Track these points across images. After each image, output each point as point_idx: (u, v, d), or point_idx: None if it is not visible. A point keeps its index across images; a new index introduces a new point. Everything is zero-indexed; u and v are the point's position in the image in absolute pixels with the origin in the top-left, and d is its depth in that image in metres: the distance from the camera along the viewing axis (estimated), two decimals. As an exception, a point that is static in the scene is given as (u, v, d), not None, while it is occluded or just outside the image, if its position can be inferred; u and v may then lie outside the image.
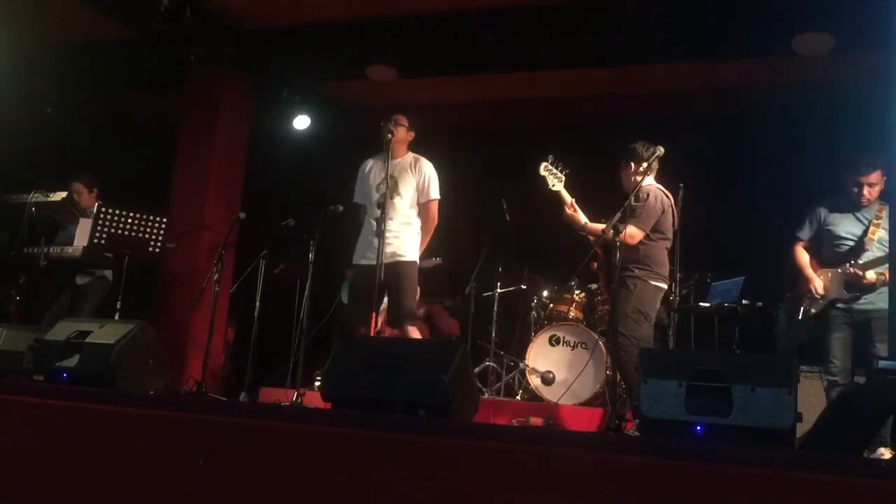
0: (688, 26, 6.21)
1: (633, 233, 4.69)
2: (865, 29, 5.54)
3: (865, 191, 4.90)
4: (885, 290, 4.72)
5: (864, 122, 5.38)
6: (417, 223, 5.11)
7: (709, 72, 7.09)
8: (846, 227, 4.98)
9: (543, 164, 4.83)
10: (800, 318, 5.03)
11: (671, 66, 7.01)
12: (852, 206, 4.98)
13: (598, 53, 6.71)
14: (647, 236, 4.76)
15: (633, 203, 4.74)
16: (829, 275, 4.95)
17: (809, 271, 5.04)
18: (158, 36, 6.55)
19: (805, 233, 5.16)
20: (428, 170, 5.12)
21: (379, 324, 6.21)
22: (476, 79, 7.63)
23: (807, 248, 5.17)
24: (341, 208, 5.86)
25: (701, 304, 6.36)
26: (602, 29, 6.43)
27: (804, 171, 6.81)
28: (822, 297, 4.93)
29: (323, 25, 7.00)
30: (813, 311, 4.97)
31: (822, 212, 5.10)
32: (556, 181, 4.83)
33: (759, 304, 6.13)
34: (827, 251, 5.05)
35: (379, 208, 4.87)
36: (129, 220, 5.81)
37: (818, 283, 4.97)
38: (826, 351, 4.88)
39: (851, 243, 4.93)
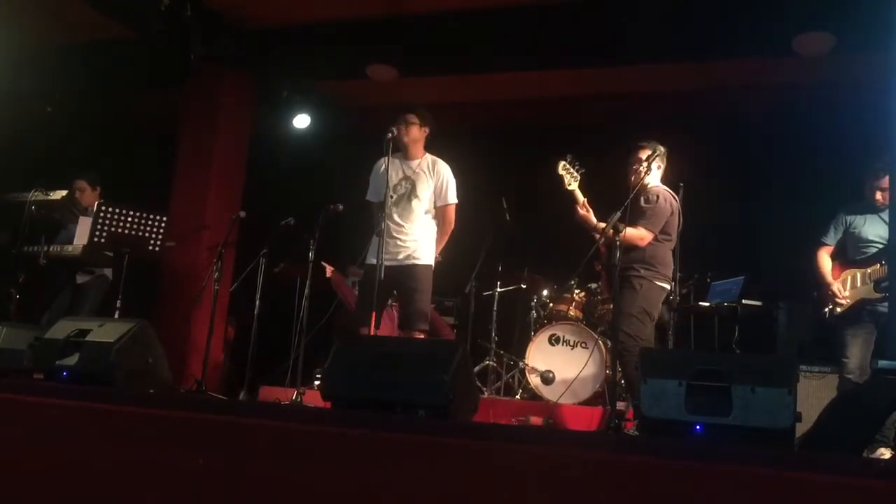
0: (688, 26, 6.21)
1: (642, 235, 4.71)
2: (866, 29, 5.54)
3: (878, 195, 4.94)
4: None
5: (864, 123, 5.39)
6: (434, 227, 5.04)
7: (709, 72, 7.09)
8: (873, 229, 5.00)
9: (562, 163, 4.82)
10: (826, 316, 5.03)
11: (671, 66, 7.01)
12: (874, 208, 4.99)
13: (598, 53, 6.71)
14: (654, 237, 4.77)
15: (643, 205, 4.75)
16: (858, 275, 4.96)
17: (829, 279, 5.06)
18: (159, 35, 6.55)
19: (830, 238, 5.18)
20: (446, 172, 5.03)
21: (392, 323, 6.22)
22: (476, 79, 7.63)
23: (831, 254, 5.18)
24: (341, 207, 5.87)
25: (701, 303, 6.37)
26: (602, 29, 6.43)
27: (804, 171, 6.82)
28: (849, 297, 4.93)
29: (323, 25, 7.00)
30: (839, 310, 4.97)
31: (847, 216, 5.13)
32: (572, 180, 4.82)
33: (759, 303, 6.14)
34: (853, 253, 5.07)
35: (381, 209, 4.82)
36: (130, 219, 5.81)
37: (838, 287, 4.98)
38: (840, 348, 4.89)
39: (880, 245, 4.93)
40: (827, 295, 5.05)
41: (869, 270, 4.91)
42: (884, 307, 4.81)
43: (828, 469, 2.41)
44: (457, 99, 8.02)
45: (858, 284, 4.94)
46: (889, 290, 4.77)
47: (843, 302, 4.93)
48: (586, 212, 4.84)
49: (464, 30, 6.65)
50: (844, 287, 4.98)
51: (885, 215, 4.97)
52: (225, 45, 6.95)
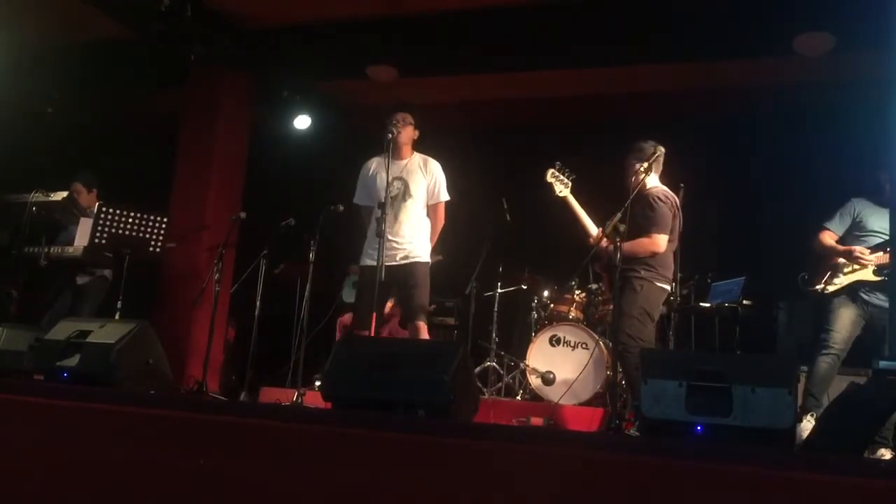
0: (688, 26, 6.21)
1: (660, 241, 4.66)
2: (866, 29, 5.54)
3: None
4: None
5: (864, 123, 5.39)
6: (428, 224, 5.06)
7: (709, 72, 7.08)
8: (879, 221, 4.97)
9: (550, 171, 4.81)
10: (820, 291, 4.96)
11: (671, 66, 7.01)
12: (886, 202, 4.98)
13: (598, 53, 6.70)
14: (668, 238, 4.76)
15: (648, 212, 4.71)
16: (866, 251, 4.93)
17: (842, 248, 4.97)
18: (159, 36, 6.55)
19: (835, 225, 5.12)
20: (437, 171, 5.05)
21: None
22: (476, 79, 7.63)
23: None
24: (342, 208, 5.87)
25: (701, 304, 6.36)
26: (602, 29, 6.42)
27: (804, 171, 6.82)
28: (859, 270, 4.88)
29: (323, 25, 7.01)
30: (830, 288, 4.94)
31: (858, 205, 5.08)
32: (562, 187, 4.82)
33: (759, 304, 6.13)
34: (851, 241, 5.03)
35: (380, 208, 4.82)
36: (130, 220, 5.81)
37: (861, 250, 4.89)
38: (827, 319, 4.86)
39: (883, 237, 4.92)
40: (829, 267, 5.00)
41: (873, 256, 4.88)
42: (878, 299, 4.82)
43: (828, 469, 2.41)
44: (457, 99, 8.02)
45: (857, 266, 4.92)
46: (890, 290, 4.79)
47: (866, 262, 4.86)
48: (601, 239, 4.75)
49: (464, 30, 6.65)
50: (844, 268, 4.93)
51: None
52: (225, 45, 6.95)
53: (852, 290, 4.90)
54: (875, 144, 4.88)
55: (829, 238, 5.12)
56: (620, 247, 4.31)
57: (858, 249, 4.91)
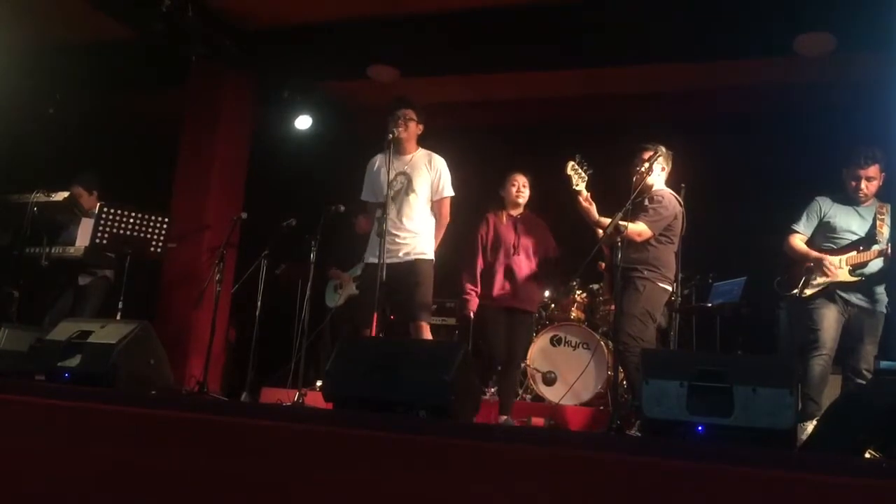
0: (688, 27, 6.21)
1: (641, 230, 4.70)
2: (866, 29, 5.54)
3: (864, 185, 4.88)
4: (878, 290, 4.79)
5: (864, 122, 5.38)
6: (432, 220, 5.02)
7: (710, 72, 7.09)
8: (847, 221, 4.95)
9: (570, 164, 4.78)
10: (798, 295, 4.93)
11: (672, 67, 7.01)
12: (851, 200, 4.96)
13: (598, 53, 6.70)
14: (656, 239, 4.77)
15: (647, 203, 4.75)
16: (834, 260, 4.89)
17: (816, 254, 4.94)
18: (160, 36, 6.56)
19: (802, 226, 5.08)
20: (442, 167, 5.01)
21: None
22: (477, 79, 7.63)
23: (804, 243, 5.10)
24: (343, 208, 5.87)
25: (703, 304, 6.36)
26: (602, 29, 6.43)
27: (805, 171, 6.80)
28: (828, 278, 4.84)
29: (324, 25, 7.01)
30: (807, 292, 4.91)
31: (824, 205, 5.05)
32: (579, 181, 4.79)
33: (760, 303, 6.13)
34: (820, 241, 5.01)
35: (380, 208, 4.81)
36: (131, 221, 5.81)
37: (831, 261, 4.85)
38: (813, 322, 4.83)
39: (852, 237, 4.91)
40: (797, 276, 4.99)
41: (845, 256, 4.87)
42: (857, 298, 4.81)
43: (828, 469, 2.41)
44: (457, 99, 8.02)
45: (837, 268, 4.90)
46: (889, 291, 4.78)
47: (832, 276, 4.82)
48: (589, 205, 4.80)
49: (464, 29, 6.65)
50: (819, 272, 4.90)
51: (863, 210, 4.94)
52: (226, 46, 6.96)
53: (829, 292, 4.86)
54: (874, 144, 4.89)
55: (799, 241, 5.08)
56: (622, 247, 4.32)
57: (829, 260, 4.86)
